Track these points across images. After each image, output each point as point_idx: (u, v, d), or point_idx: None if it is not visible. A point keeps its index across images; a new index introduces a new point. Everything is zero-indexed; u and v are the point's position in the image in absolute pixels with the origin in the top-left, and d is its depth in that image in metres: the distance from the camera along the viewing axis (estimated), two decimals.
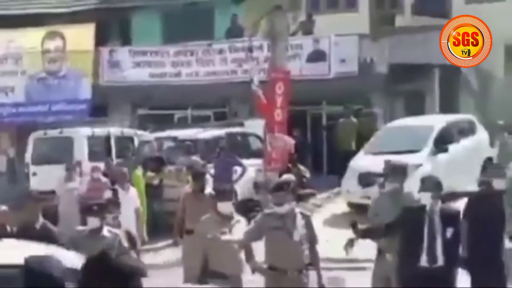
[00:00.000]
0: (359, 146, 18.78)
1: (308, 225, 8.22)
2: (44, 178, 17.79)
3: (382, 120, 21.19)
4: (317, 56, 21.78)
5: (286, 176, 12.86)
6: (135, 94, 23.42)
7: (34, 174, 18.74)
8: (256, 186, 17.05)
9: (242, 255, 8.55)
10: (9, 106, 24.39)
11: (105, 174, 16.32)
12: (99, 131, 19.42)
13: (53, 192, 15.97)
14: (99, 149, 18.86)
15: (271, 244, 8.12)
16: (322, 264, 8.43)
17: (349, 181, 16.82)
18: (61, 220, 15.08)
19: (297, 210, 8.25)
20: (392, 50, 21.39)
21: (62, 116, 23.15)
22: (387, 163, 9.49)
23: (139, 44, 24.56)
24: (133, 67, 23.69)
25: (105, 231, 8.32)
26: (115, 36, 25.73)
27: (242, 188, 16.89)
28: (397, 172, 9.18)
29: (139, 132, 20.36)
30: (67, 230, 14.56)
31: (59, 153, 18.59)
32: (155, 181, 16.49)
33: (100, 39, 23.92)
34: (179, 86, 22.75)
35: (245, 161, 17.23)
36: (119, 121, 22.54)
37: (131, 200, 12.99)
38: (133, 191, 13.50)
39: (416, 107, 21.08)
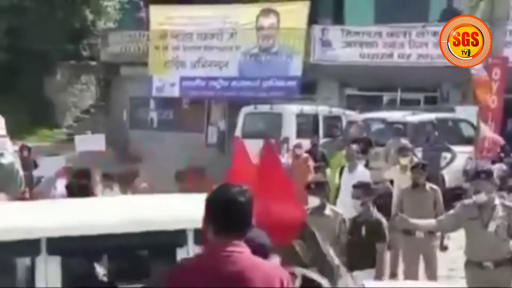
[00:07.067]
0: None
1: (511, 218, 7.83)
2: (253, 152, 18.13)
3: None
4: None
5: (487, 164, 12.34)
6: (344, 74, 23.37)
7: None
8: (466, 173, 16.51)
9: None
10: (222, 80, 25.12)
11: (310, 153, 16.36)
12: (308, 108, 19.58)
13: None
14: (307, 126, 19.02)
15: (468, 236, 7.89)
16: None
17: None
18: None
19: (498, 201, 7.90)
20: None
21: (272, 92, 23.52)
22: None
23: (351, 23, 24.44)
24: (344, 47, 23.61)
25: (328, 210, 8.33)
26: (327, 14, 25.76)
27: (451, 175, 16.45)
28: None
29: (347, 112, 20.32)
30: None
31: (268, 128, 18.92)
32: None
33: (312, 17, 24.03)
34: (389, 68, 22.44)
35: (455, 148, 16.73)
36: (327, 100, 22.59)
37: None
38: (362, 170, 12.72)
39: None
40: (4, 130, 5.49)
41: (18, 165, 5.84)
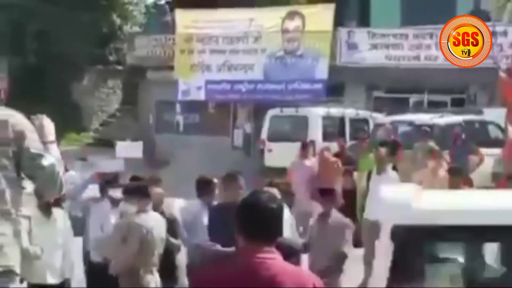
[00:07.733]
0: None
1: None
2: (279, 155, 18.14)
3: None
4: None
5: None
6: (371, 76, 23.28)
7: (270, 150, 19.17)
8: (495, 176, 16.36)
9: None
10: (247, 83, 25.13)
11: (337, 156, 16.28)
12: (334, 111, 19.53)
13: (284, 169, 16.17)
14: (334, 129, 18.96)
15: None
16: None
17: None
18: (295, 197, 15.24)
19: None
20: None
21: (298, 95, 23.48)
22: None
23: (377, 24, 24.35)
24: (370, 49, 23.53)
25: (333, 217, 8.22)
26: (353, 17, 25.68)
27: (479, 178, 16.27)
28: None
29: (374, 114, 20.23)
30: (301, 207, 14.80)
31: (294, 131, 18.89)
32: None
33: (337, 19, 23.96)
34: (416, 70, 22.33)
35: (482, 150, 16.59)
36: (354, 102, 22.52)
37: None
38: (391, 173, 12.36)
39: None
40: (53, 135, 5.49)
41: (59, 168, 5.80)
